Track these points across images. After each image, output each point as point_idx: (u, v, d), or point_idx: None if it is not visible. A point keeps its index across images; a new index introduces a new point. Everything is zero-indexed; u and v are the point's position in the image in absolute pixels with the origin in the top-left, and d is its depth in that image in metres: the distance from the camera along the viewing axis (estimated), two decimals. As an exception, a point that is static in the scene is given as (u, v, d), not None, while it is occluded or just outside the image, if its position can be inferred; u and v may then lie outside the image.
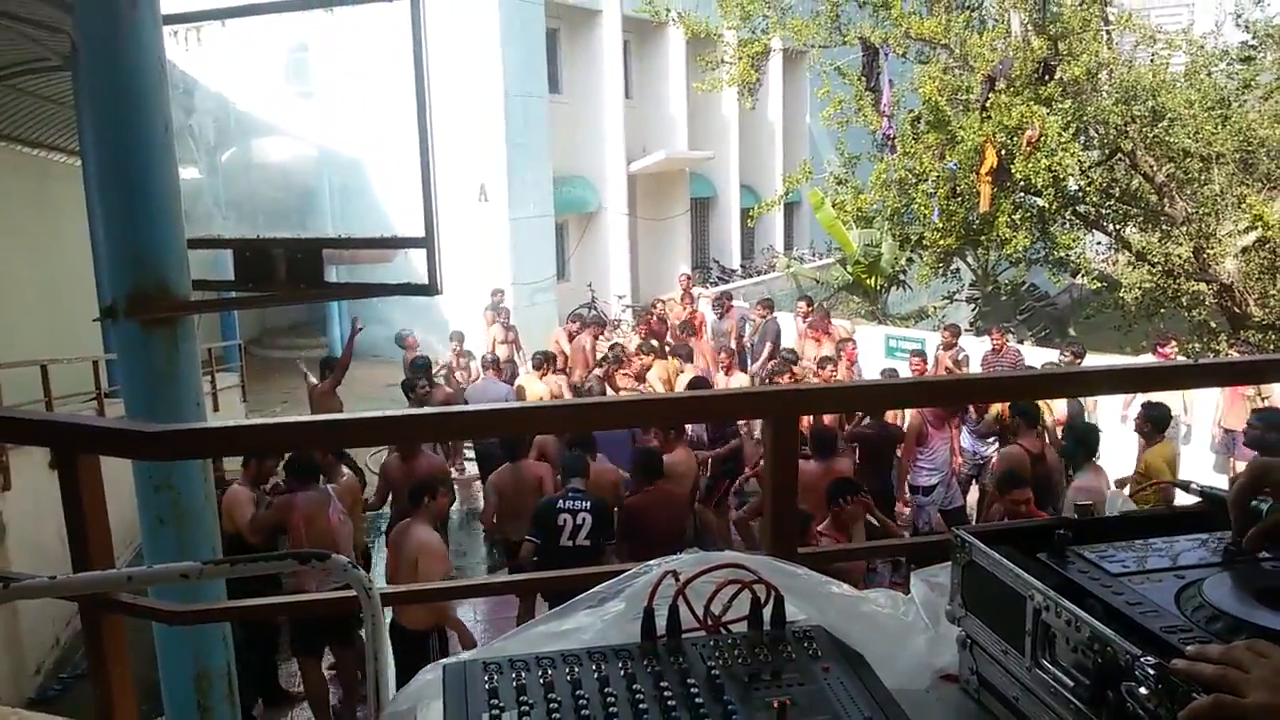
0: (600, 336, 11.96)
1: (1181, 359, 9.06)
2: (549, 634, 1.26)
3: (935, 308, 17.78)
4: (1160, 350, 9.88)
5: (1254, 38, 14.28)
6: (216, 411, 12.94)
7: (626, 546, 6.14)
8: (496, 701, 1.07)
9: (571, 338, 12.27)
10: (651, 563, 1.29)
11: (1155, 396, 8.73)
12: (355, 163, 18.81)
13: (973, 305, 18.09)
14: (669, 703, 1.06)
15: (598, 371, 10.03)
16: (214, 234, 4.37)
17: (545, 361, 10.08)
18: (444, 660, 1.17)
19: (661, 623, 1.20)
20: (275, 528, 6.03)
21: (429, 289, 3.72)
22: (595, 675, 1.11)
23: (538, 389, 9.65)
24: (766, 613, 1.22)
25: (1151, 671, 0.89)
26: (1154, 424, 7.25)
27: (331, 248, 3.92)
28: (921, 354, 10.52)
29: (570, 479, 6.38)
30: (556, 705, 1.06)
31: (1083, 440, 6.73)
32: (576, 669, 1.13)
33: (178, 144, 3.68)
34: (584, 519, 6.04)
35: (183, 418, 3.53)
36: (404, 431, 2.66)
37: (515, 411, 4.32)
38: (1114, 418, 10.07)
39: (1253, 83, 14.43)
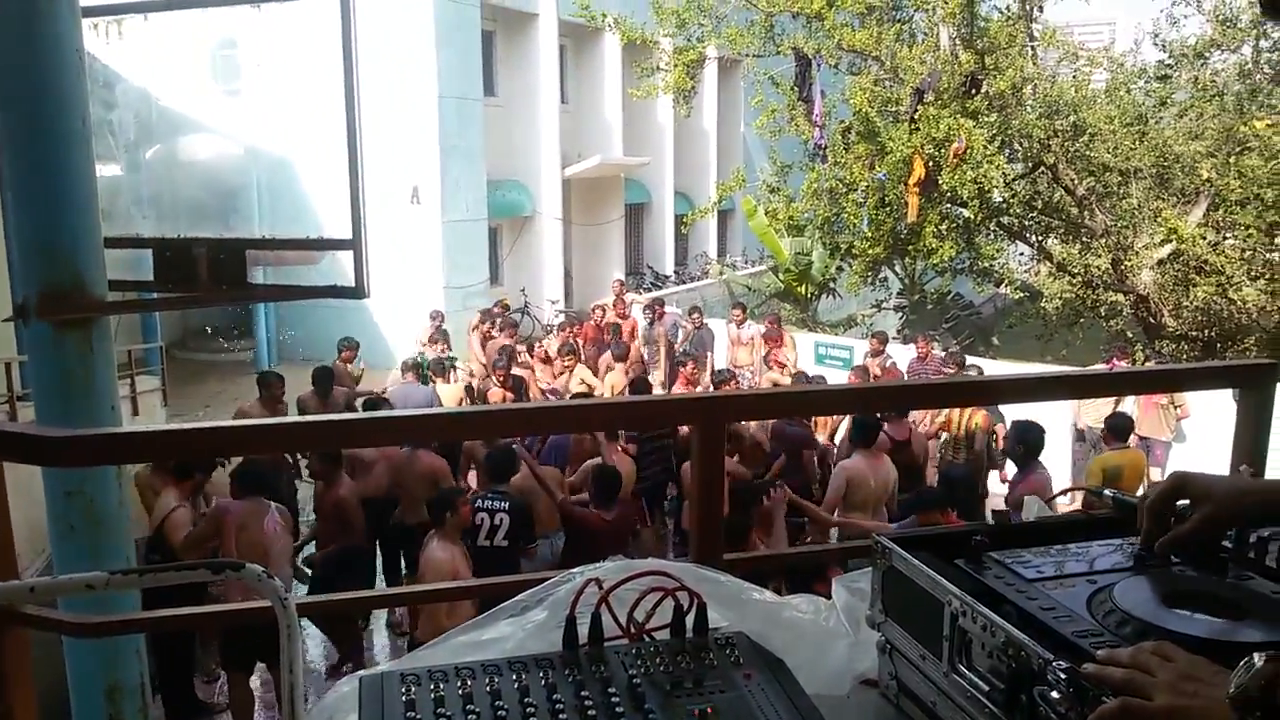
0: (514, 339, 11.90)
1: (1100, 368, 9.32)
2: (470, 644, 1.24)
3: (864, 315, 18.06)
4: (1115, 361, 10.19)
5: (1170, 57, 14.79)
6: (136, 416, 12.56)
7: (577, 560, 6.08)
8: (414, 714, 1.05)
9: (485, 340, 12.16)
10: (574, 570, 1.28)
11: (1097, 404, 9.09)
12: (284, 162, 18.46)
13: (900, 313, 18.41)
14: (590, 712, 1.05)
15: (490, 374, 10.03)
16: (134, 232, 4.25)
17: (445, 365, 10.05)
18: (360, 672, 1.15)
19: (584, 631, 1.19)
20: (210, 539, 5.86)
21: (356, 291, 3.67)
22: (515, 685, 1.10)
23: (443, 392, 9.68)
24: (689, 620, 1.21)
25: (1063, 675, 0.91)
26: (1112, 432, 7.46)
27: (256, 248, 3.84)
28: (862, 369, 10.53)
29: (493, 481, 6.35)
30: (475, 716, 1.04)
31: (858, 424, 7.12)
32: (496, 679, 1.11)
33: (97, 139, 3.57)
34: (501, 519, 6.00)
35: (97, 422, 3.42)
36: (324, 437, 2.60)
37: (444, 416, 4.27)
38: (1065, 426, 10.34)
39: (1169, 100, 14.96)
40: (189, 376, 16.46)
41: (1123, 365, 9.88)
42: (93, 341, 3.43)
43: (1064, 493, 6.87)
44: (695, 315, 13.43)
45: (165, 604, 3.16)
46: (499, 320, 12.78)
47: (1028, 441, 6.72)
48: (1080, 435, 10.10)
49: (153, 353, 14.81)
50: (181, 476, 6.21)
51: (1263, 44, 13.69)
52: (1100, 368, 10.00)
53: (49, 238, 3.35)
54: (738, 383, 9.87)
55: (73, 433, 1.89)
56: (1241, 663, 0.81)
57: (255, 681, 6.31)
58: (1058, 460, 9.98)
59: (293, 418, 6.83)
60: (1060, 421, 10.24)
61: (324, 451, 6.62)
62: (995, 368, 11.82)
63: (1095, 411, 9.70)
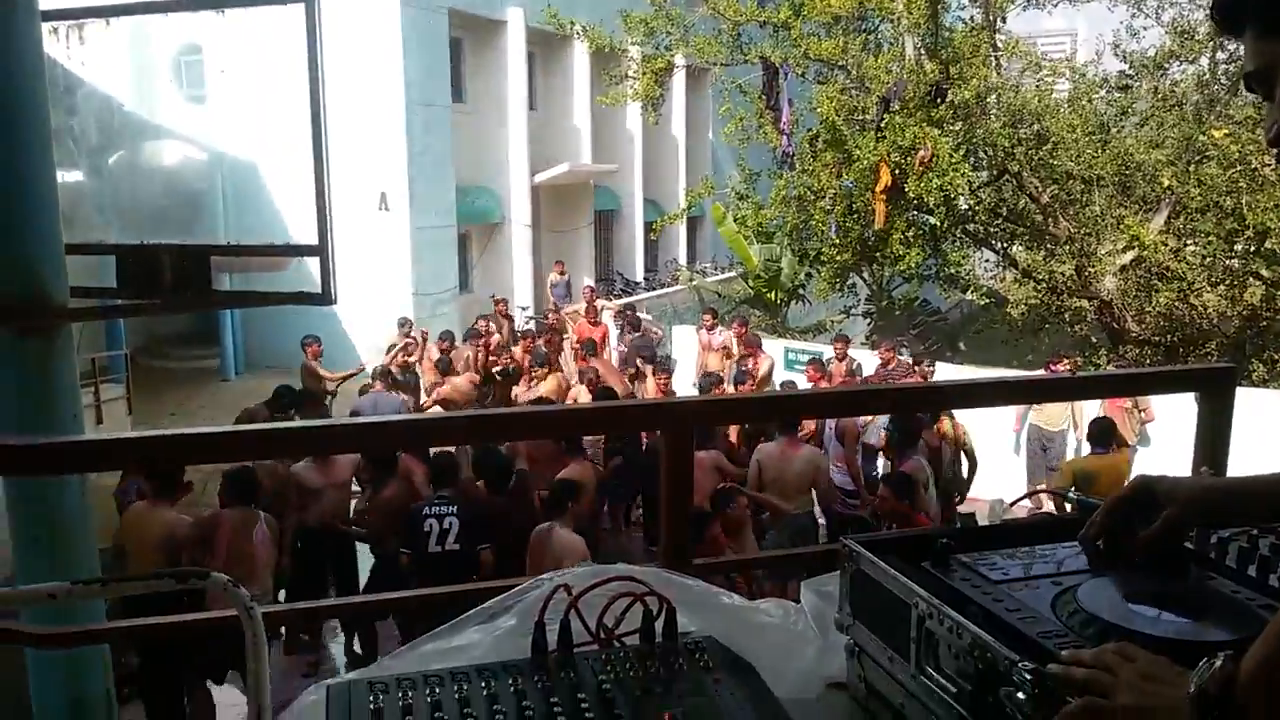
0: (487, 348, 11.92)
1: (1065, 371, 9.40)
2: (438, 651, 1.23)
3: (833, 321, 18.15)
4: (1052, 366, 10.28)
5: (1130, 68, 15.03)
6: (100, 424, 12.40)
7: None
8: (381, 722, 1.04)
9: (445, 352, 12.12)
10: (543, 576, 1.27)
11: (1049, 407, 9.28)
12: (250, 168, 18.28)
13: (869, 319, 18.52)
14: (559, 718, 1.05)
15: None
16: (97, 239, 4.20)
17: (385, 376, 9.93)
18: (328, 681, 1.14)
19: (553, 637, 1.19)
20: (200, 543, 5.71)
21: (323, 298, 3.64)
22: (484, 693, 1.09)
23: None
24: (659, 625, 1.21)
25: (1028, 676, 0.92)
26: (1091, 438, 7.57)
27: (220, 254, 3.80)
28: (818, 362, 10.77)
29: (438, 486, 6.30)
30: (443, 724, 1.04)
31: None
32: (465, 686, 1.11)
33: (58, 146, 3.52)
34: (450, 523, 5.95)
35: (59, 432, 3.37)
36: (290, 446, 2.58)
37: (419, 422, 4.26)
38: (1007, 433, 10.45)
39: (1129, 110, 15.20)
40: (155, 384, 16.25)
41: (1062, 368, 9.97)
42: (54, 350, 3.38)
43: (1026, 496, 6.96)
44: (630, 326, 13.61)
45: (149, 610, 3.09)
46: (471, 329, 12.75)
47: (904, 429, 7.33)
48: (1034, 438, 10.22)
49: (118, 360, 14.61)
50: (167, 493, 5.80)
51: (1219, 55, 13.92)
52: (1040, 373, 10.10)
53: (9, 245, 3.30)
54: (722, 387, 9.88)
55: (35, 440, 1.86)
56: (1202, 662, 0.82)
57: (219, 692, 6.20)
58: (1006, 462, 10.17)
59: (266, 424, 6.73)
60: (1006, 425, 10.43)
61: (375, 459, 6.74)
62: (962, 373, 11.93)
63: (1047, 413, 9.93)
